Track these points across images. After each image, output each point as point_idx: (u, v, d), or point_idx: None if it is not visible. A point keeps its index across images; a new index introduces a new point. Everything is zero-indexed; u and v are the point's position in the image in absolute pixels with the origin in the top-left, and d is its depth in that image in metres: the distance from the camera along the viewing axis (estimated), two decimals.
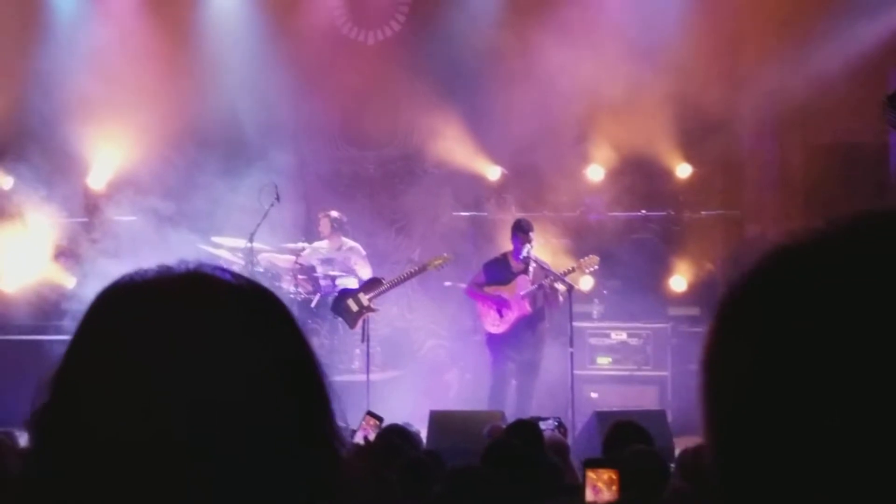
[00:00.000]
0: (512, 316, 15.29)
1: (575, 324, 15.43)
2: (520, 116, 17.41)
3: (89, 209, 18.70)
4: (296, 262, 17.10)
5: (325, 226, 17.26)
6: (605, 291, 17.51)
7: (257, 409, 1.61)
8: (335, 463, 1.71)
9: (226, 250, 17.09)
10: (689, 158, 17.91)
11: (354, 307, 16.11)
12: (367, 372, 15.19)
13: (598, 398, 16.35)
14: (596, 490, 6.73)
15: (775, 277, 1.37)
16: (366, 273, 16.80)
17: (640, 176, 18.01)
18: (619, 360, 16.94)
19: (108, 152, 18.78)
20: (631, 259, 17.48)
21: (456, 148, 18.35)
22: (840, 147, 16.99)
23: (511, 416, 13.33)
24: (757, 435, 1.34)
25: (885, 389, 1.24)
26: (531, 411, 14.26)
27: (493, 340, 15.50)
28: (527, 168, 18.14)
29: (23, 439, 9.38)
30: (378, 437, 9.68)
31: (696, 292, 17.77)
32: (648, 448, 7.87)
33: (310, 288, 16.97)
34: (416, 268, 16.51)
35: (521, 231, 15.30)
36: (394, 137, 19.10)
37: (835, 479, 1.26)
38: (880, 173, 17.07)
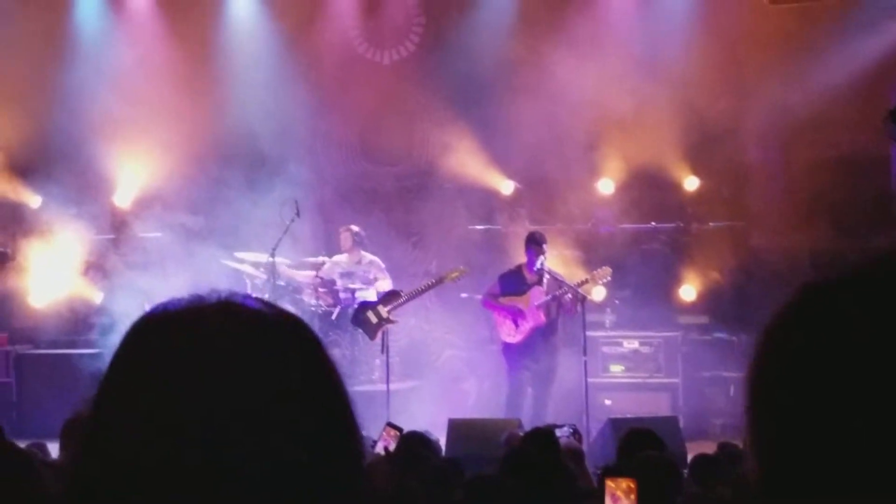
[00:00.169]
0: (527, 326, 15.28)
1: (588, 333, 15.41)
2: (531, 131, 17.42)
3: (116, 226, 18.72)
4: (316, 276, 17.12)
5: (346, 239, 17.26)
6: (616, 301, 17.51)
7: (286, 433, 1.63)
8: (360, 481, 1.73)
9: (248, 265, 17.11)
10: (696, 171, 17.91)
11: (374, 319, 16.14)
12: (387, 381, 15.20)
13: (612, 405, 16.36)
14: (615, 499, 6.75)
15: (817, 309, 1.45)
16: (385, 286, 16.82)
17: (649, 189, 18.01)
18: (632, 367, 16.95)
19: (134, 170, 18.81)
20: (641, 269, 17.50)
21: (469, 163, 18.37)
22: (842, 159, 16.96)
23: (528, 423, 13.32)
24: (803, 453, 1.41)
25: None
26: (547, 418, 14.23)
27: (509, 350, 15.50)
28: (539, 182, 18.16)
29: (54, 450, 9.45)
30: (400, 444, 9.69)
31: (705, 301, 17.81)
32: (662, 454, 7.89)
33: (330, 301, 16.97)
34: (434, 280, 16.55)
35: (534, 243, 15.31)
36: (409, 154, 19.09)
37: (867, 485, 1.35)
38: (882, 184, 17.06)
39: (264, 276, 16.88)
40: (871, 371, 1.39)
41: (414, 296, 16.49)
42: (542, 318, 15.23)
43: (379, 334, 15.84)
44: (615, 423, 12.74)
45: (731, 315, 17.69)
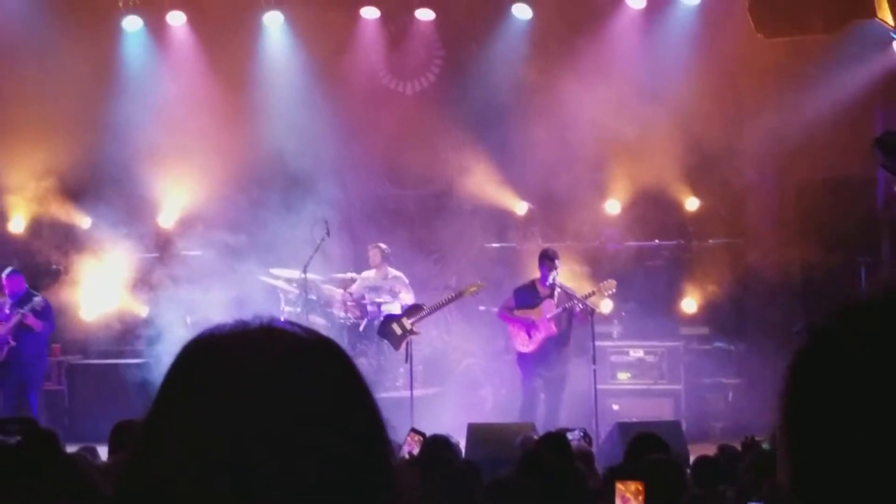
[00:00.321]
0: (540, 336, 15.27)
1: (597, 343, 15.38)
2: (543, 155, 17.44)
3: (160, 245, 18.74)
4: (346, 292, 17.15)
5: (374, 256, 17.28)
6: (623, 313, 17.48)
7: (326, 452, 1.63)
8: (391, 492, 1.74)
9: (282, 280, 17.14)
10: (696, 192, 17.90)
11: (398, 330, 16.15)
12: (411, 389, 15.18)
13: (620, 410, 16.35)
14: (624, 500, 6.74)
15: (850, 334, 1.50)
16: (409, 299, 16.83)
17: (652, 208, 17.99)
18: (638, 375, 16.95)
19: (176, 193, 18.86)
20: (646, 284, 17.49)
21: (486, 185, 18.38)
22: (832, 181, 16.95)
23: (541, 427, 13.31)
24: (838, 469, 1.46)
25: None
26: (559, 423, 14.20)
27: (524, 359, 15.48)
28: (550, 202, 18.14)
29: (103, 453, 9.46)
30: (425, 447, 9.68)
31: (705, 313, 17.78)
32: (668, 457, 7.88)
33: (358, 313, 16.99)
34: (453, 294, 16.56)
35: (547, 259, 15.31)
36: (430, 177, 19.04)
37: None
38: (868, 204, 17.02)
39: (297, 291, 16.91)
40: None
41: (435, 309, 16.52)
42: (554, 329, 15.22)
43: (403, 345, 15.85)
44: (622, 427, 12.71)
45: (729, 326, 17.68)
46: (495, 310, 16.16)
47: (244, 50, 18.94)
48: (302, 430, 1.62)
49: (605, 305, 16.84)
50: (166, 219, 18.98)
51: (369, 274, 17.29)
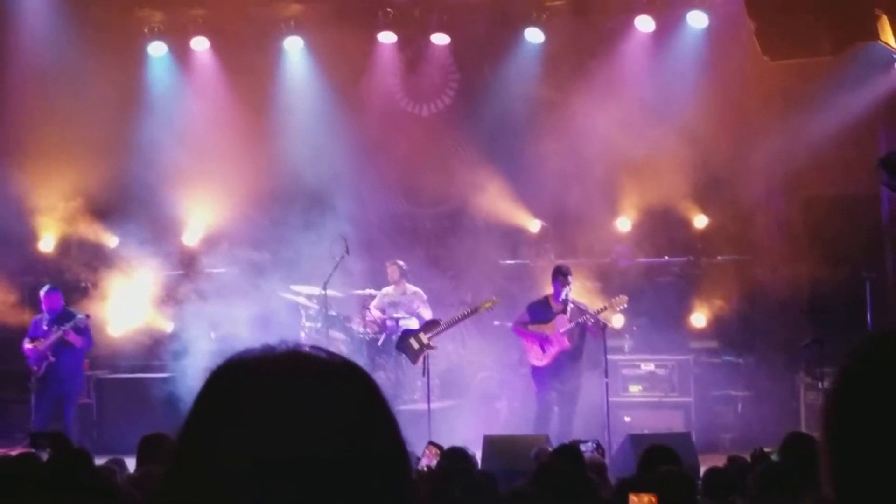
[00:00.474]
0: (553, 350, 15.27)
1: (609, 357, 15.38)
2: (555, 175, 17.45)
3: (185, 263, 18.78)
4: (364, 308, 17.17)
5: (393, 272, 17.30)
6: (634, 328, 17.48)
7: (349, 472, 1.65)
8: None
9: (303, 297, 17.16)
10: (705, 210, 17.88)
11: (416, 345, 16.16)
12: (428, 401, 15.18)
13: (631, 422, 16.32)
14: None
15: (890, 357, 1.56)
16: (426, 315, 16.85)
17: (662, 226, 17.97)
18: (648, 388, 16.92)
19: (200, 213, 18.92)
20: (656, 299, 17.47)
21: (500, 204, 18.39)
22: (837, 199, 16.92)
23: (555, 439, 13.32)
24: (881, 480, 1.51)
25: None
26: (572, 434, 14.21)
27: (538, 372, 15.48)
28: (563, 220, 18.15)
29: (131, 465, 9.48)
30: (444, 458, 9.68)
31: (714, 327, 17.75)
32: (680, 469, 7.87)
33: (376, 329, 17.00)
34: (469, 310, 16.56)
35: (560, 275, 15.32)
36: (446, 196, 19.06)
37: None
38: (873, 221, 17.01)
39: (317, 307, 16.93)
40: None
41: (451, 324, 16.52)
42: (567, 343, 15.23)
43: (420, 359, 15.86)
44: (634, 439, 12.69)
45: (737, 340, 17.65)
46: (510, 325, 16.17)
47: (265, 74, 18.99)
48: (326, 450, 1.65)
49: (617, 320, 16.86)
50: (191, 237, 19.03)
51: (388, 290, 17.32)
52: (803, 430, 14.71)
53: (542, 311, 15.47)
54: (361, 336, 16.99)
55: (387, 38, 18.78)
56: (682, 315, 17.71)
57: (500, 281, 18.24)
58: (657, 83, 17.69)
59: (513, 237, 18.73)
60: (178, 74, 19.32)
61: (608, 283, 17.49)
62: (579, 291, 15.83)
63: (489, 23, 18.54)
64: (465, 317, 16.54)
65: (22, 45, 17.80)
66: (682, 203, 17.80)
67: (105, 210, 18.77)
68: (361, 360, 16.38)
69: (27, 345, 16.16)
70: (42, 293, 16.26)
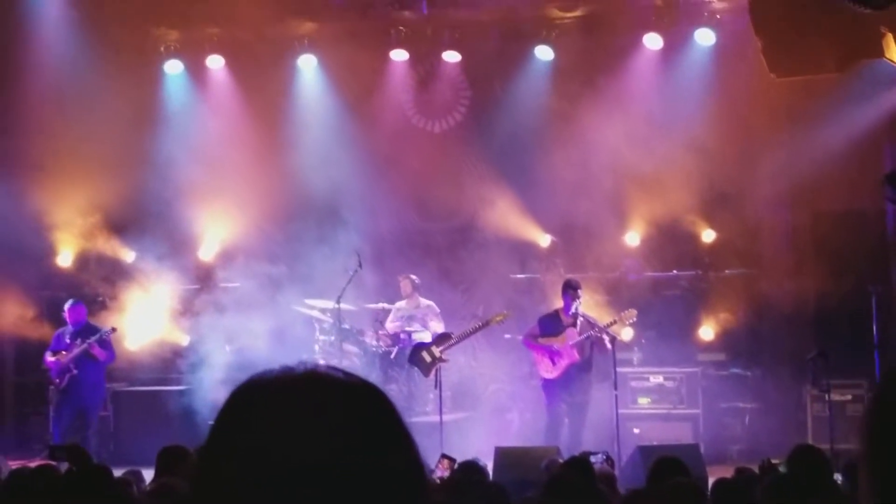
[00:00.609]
0: (563, 363, 15.26)
1: (618, 369, 15.38)
2: (565, 191, 17.46)
3: (201, 277, 18.81)
4: (377, 321, 17.19)
5: (406, 286, 17.34)
6: (643, 341, 17.46)
7: (366, 488, 1.67)
8: None
9: (317, 310, 17.18)
10: (712, 225, 17.87)
11: (428, 358, 16.16)
12: (440, 413, 15.17)
13: (640, 433, 16.33)
14: None
15: None
16: (438, 328, 16.86)
17: (670, 240, 17.96)
18: (657, 400, 16.92)
19: (216, 228, 18.96)
20: (665, 312, 17.45)
21: (511, 219, 18.41)
22: (843, 214, 16.91)
23: (565, 450, 13.30)
24: None
25: None
26: (582, 446, 14.20)
27: (548, 384, 15.47)
28: (572, 235, 18.15)
29: (147, 476, 9.49)
30: (458, 470, 9.67)
31: (722, 340, 17.73)
32: (690, 481, 7.84)
33: (389, 342, 17.02)
34: (480, 323, 16.56)
35: (571, 289, 15.32)
36: (458, 211, 19.07)
37: None
38: (878, 235, 16.99)
39: (331, 321, 16.94)
40: None
41: (463, 337, 16.53)
42: (577, 356, 15.22)
43: (433, 371, 15.85)
44: (643, 450, 12.69)
45: (745, 352, 17.63)
46: (520, 338, 16.16)
47: (280, 91, 19.03)
48: (343, 468, 1.66)
49: (626, 333, 16.85)
50: (206, 252, 19.07)
51: (401, 304, 17.36)
52: (810, 441, 14.68)
53: (552, 325, 15.47)
54: (374, 349, 17.00)
55: (399, 55, 18.82)
56: (691, 328, 17.69)
57: (511, 294, 18.27)
58: (665, 99, 17.71)
59: (523, 251, 18.72)
60: (193, 92, 19.37)
61: (617, 296, 17.49)
62: (589, 305, 15.85)
63: (499, 41, 18.58)
64: (476, 330, 16.54)
65: (41, 63, 17.85)
66: (690, 218, 17.80)
67: (122, 225, 18.80)
68: (374, 373, 16.52)
69: (49, 357, 16.19)
70: (67, 306, 16.31)
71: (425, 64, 19.21)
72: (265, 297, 17.31)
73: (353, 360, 16.92)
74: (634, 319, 15.80)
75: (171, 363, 18.28)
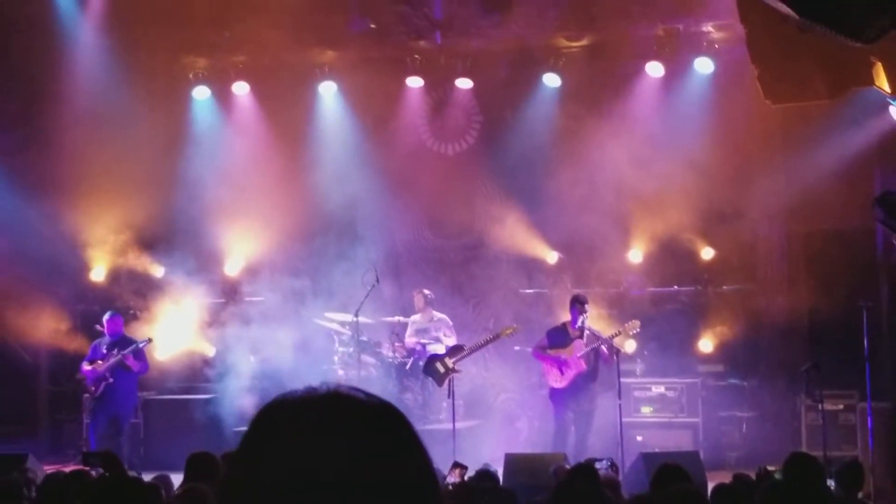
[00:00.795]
0: (570, 373, 15.26)
1: (622, 380, 15.35)
2: (572, 210, 17.43)
3: (226, 291, 18.84)
4: (395, 335, 17.19)
5: (419, 301, 17.36)
6: (645, 352, 17.46)
7: (383, 501, 1.68)
8: None
9: (336, 323, 17.19)
10: (711, 243, 17.85)
11: (441, 369, 16.16)
12: (453, 421, 15.14)
13: (643, 441, 16.31)
14: None
15: None
16: (451, 341, 16.86)
17: (671, 258, 17.94)
18: (659, 409, 16.90)
19: (241, 244, 18.99)
20: (666, 326, 17.43)
21: (520, 237, 18.41)
22: (835, 232, 16.89)
23: (572, 457, 13.29)
24: None
25: None
26: (588, 453, 14.19)
27: (555, 394, 15.47)
28: (578, 252, 18.14)
29: (176, 481, 9.50)
30: (473, 478, 9.67)
31: (720, 352, 17.71)
32: (691, 487, 7.83)
33: (405, 353, 17.03)
34: (491, 336, 16.57)
35: (578, 303, 15.34)
36: (470, 229, 19.08)
37: None
38: (867, 254, 16.96)
39: (349, 333, 16.95)
40: None
41: (475, 349, 16.52)
42: (583, 366, 15.23)
43: (446, 381, 15.84)
44: (646, 457, 12.67)
45: (742, 364, 17.61)
46: (529, 349, 16.15)
47: (301, 115, 19.06)
48: (363, 482, 1.67)
49: (630, 345, 16.87)
50: (232, 267, 19.10)
51: (416, 318, 17.38)
52: (804, 448, 14.70)
53: (560, 337, 15.48)
54: (391, 360, 17.02)
55: (414, 82, 18.86)
56: (691, 341, 17.67)
57: (520, 308, 18.28)
58: (667, 123, 17.70)
59: (531, 267, 18.72)
60: (220, 116, 19.41)
61: (621, 310, 17.50)
62: (593, 318, 15.82)
63: (510, 68, 18.62)
64: (487, 342, 16.54)
65: (77, 89, 17.91)
66: (690, 236, 17.79)
67: (152, 242, 18.85)
68: (391, 383, 16.54)
69: (86, 366, 16.24)
70: (105, 318, 16.37)
71: (439, 90, 19.24)
72: (288, 311, 17.36)
73: (370, 371, 16.94)
74: (638, 330, 15.81)
75: (198, 373, 18.31)
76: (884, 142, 15.53)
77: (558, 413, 15.41)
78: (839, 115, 15.03)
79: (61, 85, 17.96)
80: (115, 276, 18.95)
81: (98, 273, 18.97)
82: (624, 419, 15.19)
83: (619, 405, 15.08)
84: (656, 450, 14.76)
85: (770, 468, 10.66)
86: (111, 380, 16.00)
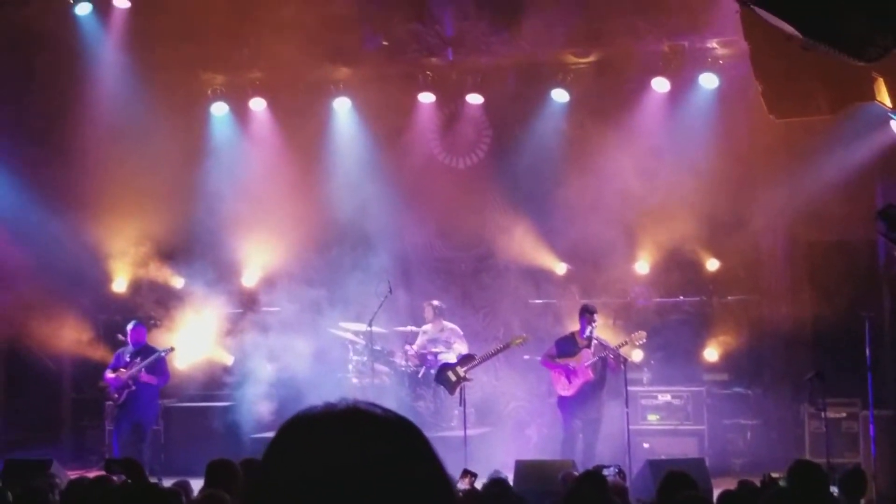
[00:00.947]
0: (578, 382, 15.25)
1: (629, 388, 15.33)
2: (580, 221, 17.41)
3: (244, 302, 18.87)
4: (407, 345, 17.21)
5: (428, 312, 17.36)
6: (652, 362, 17.42)
7: None
8: None
9: (351, 333, 17.20)
10: (717, 254, 17.81)
11: (453, 377, 16.16)
12: (465, 428, 15.13)
13: (650, 448, 16.28)
14: None
15: None
16: (462, 350, 16.86)
17: (677, 269, 17.92)
18: (665, 416, 16.86)
19: (258, 256, 19.01)
20: (672, 335, 17.41)
21: (530, 249, 18.40)
22: (837, 244, 16.85)
23: (580, 463, 13.30)
24: None
25: None
26: (595, 459, 14.19)
27: (564, 402, 15.46)
28: (586, 263, 18.13)
29: (195, 486, 9.50)
30: (487, 485, 9.66)
31: (725, 361, 17.66)
32: (698, 494, 7.83)
33: (417, 362, 17.02)
34: (501, 345, 16.58)
35: (587, 313, 15.34)
36: (480, 241, 19.07)
37: None
38: (869, 265, 16.93)
39: (363, 342, 16.96)
40: None
41: (485, 358, 16.52)
42: (591, 375, 15.22)
43: (457, 390, 15.83)
44: (652, 464, 12.68)
45: (746, 373, 17.57)
46: (538, 358, 16.15)
47: (316, 130, 19.08)
48: (381, 496, 1.68)
49: (636, 355, 16.85)
50: (249, 278, 19.12)
51: (427, 328, 17.38)
52: (807, 455, 14.66)
53: (568, 346, 15.48)
54: (403, 369, 17.02)
55: (426, 98, 18.88)
56: (696, 350, 17.63)
57: (528, 317, 18.27)
58: (673, 137, 17.68)
59: (541, 279, 18.68)
60: (237, 131, 19.45)
61: (628, 320, 17.48)
62: (600, 328, 15.82)
63: (519, 84, 18.63)
64: (497, 352, 16.55)
65: (99, 105, 17.98)
66: (695, 247, 17.76)
67: (172, 253, 18.92)
68: (404, 391, 16.56)
69: (109, 374, 16.27)
70: (129, 327, 16.40)
71: (450, 105, 19.25)
72: (304, 320, 17.37)
73: (383, 379, 16.95)
74: (644, 341, 15.81)
75: (217, 381, 18.35)
76: (885, 155, 15.50)
77: (567, 421, 15.39)
78: (841, 130, 15.00)
79: (84, 101, 18.03)
80: (137, 286, 18.99)
81: (120, 284, 19.01)
82: (631, 427, 15.19)
83: (627, 413, 15.08)
84: (662, 457, 14.74)
85: (774, 475, 10.63)
86: (134, 387, 16.03)
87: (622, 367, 15.08)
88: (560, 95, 18.30)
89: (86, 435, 18.84)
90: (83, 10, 17.92)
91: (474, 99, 18.76)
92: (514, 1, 17.30)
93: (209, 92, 19.21)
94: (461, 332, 17.26)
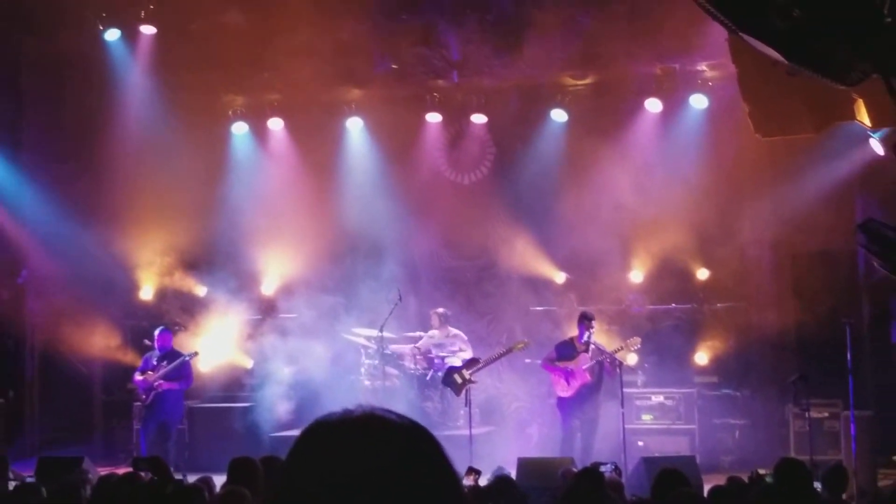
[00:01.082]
0: (576, 384, 15.25)
1: (624, 390, 15.28)
2: (578, 233, 17.43)
3: (263, 309, 18.88)
4: (415, 347, 17.22)
5: (434, 320, 17.37)
6: (646, 365, 17.40)
7: None
8: None
9: (363, 338, 17.21)
10: (706, 264, 17.82)
11: (459, 380, 16.14)
12: (470, 428, 15.11)
13: (644, 446, 16.25)
14: None
15: None
16: (467, 354, 16.85)
17: (670, 277, 17.89)
18: (658, 416, 16.85)
19: (276, 266, 19.04)
20: (664, 340, 17.41)
21: (530, 259, 18.41)
22: (820, 255, 16.84)
23: (578, 460, 13.30)
24: None
25: None
26: (593, 457, 14.19)
27: (563, 402, 15.45)
28: (584, 272, 18.13)
29: (217, 482, 9.50)
30: (493, 482, 9.65)
31: (715, 365, 17.65)
32: (692, 491, 7.83)
33: (425, 365, 17.01)
34: (504, 350, 16.58)
35: (586, 319, 15.34)
36: (484, 251, 19.07)
37: None
38: (850, 274, 16.93)
39: (374, 347, 16.97)
40: None
41: (489, 362, 16.52)
42: (588, 377, 15.22)
43: (463, 391, 15.81)
44: (647, 461, 12.69)
45: (735, 376, 17.55)
46: (539, 362, 16.15)
47: (331, 148, 19.11)
48: (396, 497, 1.70)
49: (631, 358, 16.82)
50: (268, 286, 19.15)
51: (434, 333, 17.38)
52: (792, 453, 14.65)
53: (567, 350, 15.48)
54: (412, 372, 17.02)
55: (433, 118, 18.92)
56: (687, 354, 17.62)
57: (530, 323, 18.27)
58: (665, 155, 17.70)
59: (541, 287, 18.67)
60: (256, 149, 19.49)
61: (623, 326, 17.49)
62: (598, 333, 15.81)
63: (520, 105, 18.65)
64: (500, 356, 16.55)
65: (126, 125, 18.04)
66: (686, 258, 17.75)
67: (195, 263, 18.95)
68: (412, 393, 16.56)
69: (137, 377, 16.26)
70: (156, 332, 16.37)
71: (456, 125, 19.27)
72: (319, 326, 17.40)
73: (393, 382, 16.96)
74: (638, 346, 15.80)
75: (238, 383, 18.37)
76: (864, 171, 15.49)
77: (565, 420, 15.39)
78: (824, 147, 15.01)
79: (113, 122, 18.10)
80: (162, 294, 19.01)
81: (146, 292, 19.05)
82: (626, 426, 15.16)
83: (622, 413, 15.06)
84: (656, 454, 14.73)
85: (761, 471, 10.64)
86: (160, 389, 16.04)
87: (618, 370, 15.08)
88: (559, 115, 18.33)
89: (115, 434, 18.85)
90: (112, 36, 18.00)
91: (478, 119, 18.79)
92: (516, 27, 17.33)
93: (230, 113, 19.26)
94: (465, 337, 17.26)
